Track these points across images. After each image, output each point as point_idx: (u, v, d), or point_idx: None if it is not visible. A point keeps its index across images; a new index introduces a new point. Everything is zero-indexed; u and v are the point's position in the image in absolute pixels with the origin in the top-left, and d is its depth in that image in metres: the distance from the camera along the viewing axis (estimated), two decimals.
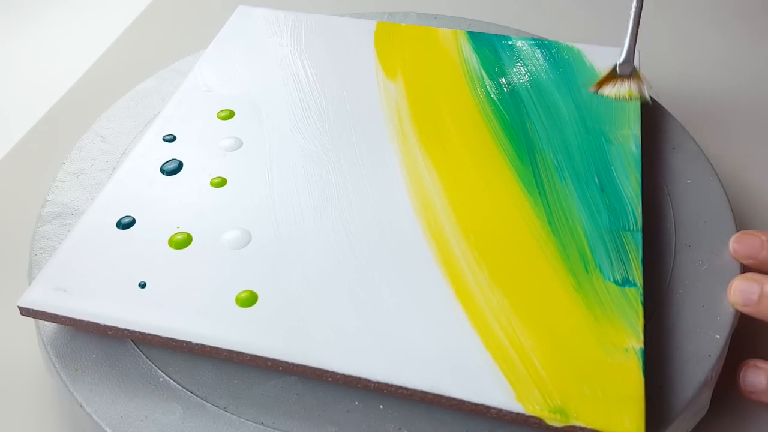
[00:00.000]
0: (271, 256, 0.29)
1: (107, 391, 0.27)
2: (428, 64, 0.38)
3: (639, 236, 0.30)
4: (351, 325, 0.27)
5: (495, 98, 0.36)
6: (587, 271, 0.29)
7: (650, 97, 0.36)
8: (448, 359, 0.26)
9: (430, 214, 0.31)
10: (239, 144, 0.34)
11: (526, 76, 0.38)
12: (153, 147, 0.34)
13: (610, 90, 0.35)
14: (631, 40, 0.36)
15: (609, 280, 0.28)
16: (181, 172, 0.33)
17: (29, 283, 0.30)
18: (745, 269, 0.30)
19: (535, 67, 0.38)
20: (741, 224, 0.33)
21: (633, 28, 0.36)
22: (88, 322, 0.27)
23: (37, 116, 0.44)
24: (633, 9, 0.35)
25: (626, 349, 0.26)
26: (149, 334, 0.27)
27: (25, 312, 0.28)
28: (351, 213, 0.31)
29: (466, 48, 0.39)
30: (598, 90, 0.36)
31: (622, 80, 0.36)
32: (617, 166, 0.33)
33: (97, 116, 0.38)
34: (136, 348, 0.28)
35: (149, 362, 0.28)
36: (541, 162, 0.33)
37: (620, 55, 0.36)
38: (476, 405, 0.25)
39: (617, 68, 0.36)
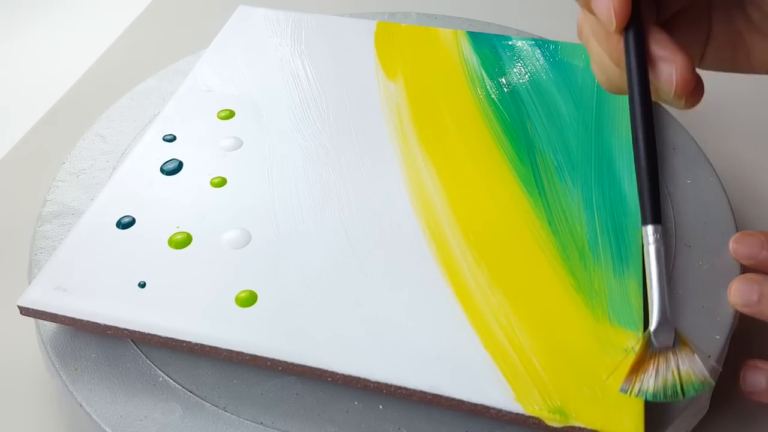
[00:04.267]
0: (270, 255, 0.29)
1: (107, 391, 0.27)
2: (428, 65, 0.38)
3: (639, 237, 0.30)
4: (350, 325, 0.27)
5: (495, 98, 0.36)
6: (587, 272, 0.29)
7: (714, 369, 0.24)
8: (448, 359, 0.26)
9: (429, 214, 0.31)
10: (239, 144, 0.34)
11: (527, 76, 0.38)
12: (153, 147, 0.34)
13: (651, 380, 0.23)
14: (660, 287, 0.24)
15: (609, 280, 0.28)
16: (181, 171, 0.33)
17: (29, 283, 0.30)
18: (745, 269, 0.30)
19: (535, 67, 0.38)
20: (741, 224, 0.33)
21: (659, 267, 0.24)
22: (87, 321, 0.27)
23: (38, 116, 0.44)
24: (651, 242, 0.24)
25: (626, 350, 0.26)
26: (149, 334, 0.27)
27: (25, 311, 0.28)
28: (351, 213, 0.31)
29: (467, 48, 0.39)
30: (632, 385, 0.23)
31: (665, 357, 0.23)
32: (617, 167, 0.33)
33: (98, 116, 0.38)
34: (135, 348, 0.28)
35: (149, 362, 0.28)
36: (541, 162, 0.33)
37: (652, 317, 0.24)
38: (475, 405, 0.25)
39: (653, 338, 0.24)
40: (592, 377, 0.25)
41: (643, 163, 0.25)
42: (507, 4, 0.51)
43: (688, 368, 0.23)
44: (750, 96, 0.45)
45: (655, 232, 0.24)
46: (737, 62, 0.29)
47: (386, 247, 0.29)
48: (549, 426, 0.25)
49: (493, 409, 0.25)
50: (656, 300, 0.23)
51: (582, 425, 0.24)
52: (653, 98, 0.25)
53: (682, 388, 0.23)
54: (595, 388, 0.25)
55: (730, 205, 0.33)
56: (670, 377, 0.23)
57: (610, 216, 0.31)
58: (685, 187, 0.34)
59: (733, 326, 0.28)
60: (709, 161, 0.35)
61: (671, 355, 0.23)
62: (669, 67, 0.24)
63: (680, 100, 0.25)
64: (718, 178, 0.34)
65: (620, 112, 0.35)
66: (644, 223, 0.24)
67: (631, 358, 0.24)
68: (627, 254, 0.29)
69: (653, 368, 0.23)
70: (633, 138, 0.25)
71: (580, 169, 0.33)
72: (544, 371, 0.25)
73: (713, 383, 0.23)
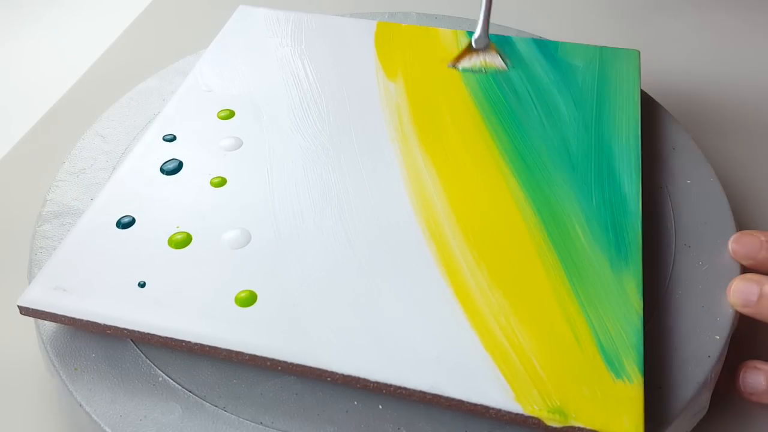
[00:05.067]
0: (270, 255, 0.29)
1: (106, 391, 0.27)
2: (429, 65, 0.38)
3: (639, 237, 0.30)
4: (350, 325, 0.27)
5: (495, 98, 0.36)
6: (586, 271, 0.29)
7: (505, 64, 0.37)
8: (447, 359, 0.26)
9: (429, 214, 0.31)
10: (239, 144, 0.34)
11: (527, 76, 0.38)
12: (153, 147, 0.34)
13: (466, 63, 0.38)
14: (485, 15, 0.38)
15: (608, 280, 0.28)
16: (181, 171, 0.33)
17: (29, 283, 0.30)
18: (744, 270, 0.30)
19: (535, 67, 0.38)
20: (741, 224, 0.33)
21: (486, 3, 0.38)
22: (87, 321, 0.27)
23: (38, 116, 0.44)
24: None
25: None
26: (149, 334, 0.27)
27: (25, 311, 0.28)
28: (351, 213, 0.31)
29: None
30: (456, 64, 0.37)
31: (478, 53, 0.38)
32: (617, 166, 0.33)
33: (98, 116, 0.38)
34: (135, 347, 0.28)
35: (148, 362, 0.28)
36: (540, 162, 0.33)
37: (476, 31, 0.38)
38: (475, 405, 0.25)
39: (473, 43, 0.38)
40: (592, 377, 0.25)
41: None
42: (507, 4, 0.51)
43: (491, 60, 0.38)
44: (750, 96, 0.45)
45: None
46: None
47: (386, 247, 0.29)
48: (548, 426, 0.25)
49: (493, 409, 0.25)
50: (481, 17, 0.38)
51: (581, 425, 0.24)
52: None
53: (485, 68, 0.38)
54: (594, 389, 0.25)
55: (730, 205, 0.33)
56: (478, 63, 0.38)
57: (609, 216, 0.31)
58: (685, 187, 0.34)
59: (732, 327, 0.28)
60: (709, 161, 0.35)
61: (482, 53, 0.38)
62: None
63: None
64: (718, 178, 0.34)
65: (620, 112, 0.35)
66: None
67: (459, 55, 0.38)
68: (626, 254, 0.29)
69: (469, 58, 0.38)
70: None
71: (580, 169, 0.33)
72: (544, 371, 0.25)
73: (506, 69, 0.37)
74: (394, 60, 0.39)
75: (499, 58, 0.38)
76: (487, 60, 0.38)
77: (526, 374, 0.25)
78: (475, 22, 0.44)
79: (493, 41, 0.40)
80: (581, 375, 0.25)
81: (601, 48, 0.39)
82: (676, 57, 0.47)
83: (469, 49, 0.38)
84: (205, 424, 0.26)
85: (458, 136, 0.35)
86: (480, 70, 0.37)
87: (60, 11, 0.54)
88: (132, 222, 0.30)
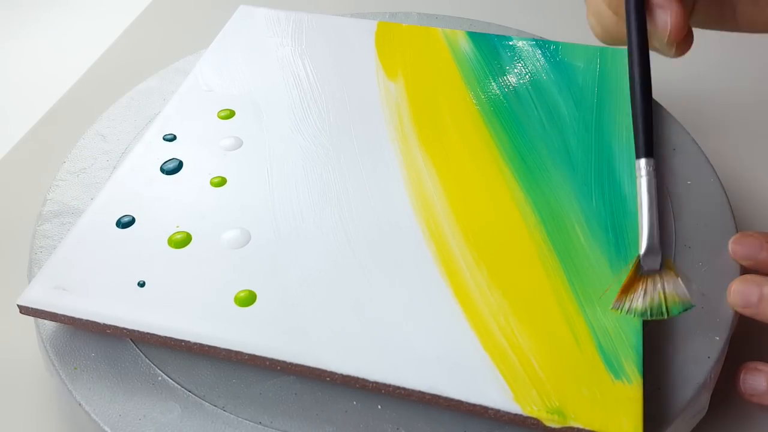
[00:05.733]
0: (270, 255, 0.29)
1: (106, 390, 0.27)
2: (429, 65, 0.38)
3: (639, 237, 0.30)
4: (350, 325, 0.27)
5: (495, 98, 0.36)
6: (586, 272, 0.29)
7: (695, 292, 0.26)
8: (447, 359, 0.26)
9: (429, 214, 0.31)
10: (239, 144, 0.34)
11: (527, 76, 0.38)
12: (153, 146, 0.34)
13: (640, 300, 0.26)
14: (650, 216, 0.26)
15: (608, 280, 0.28)
16: (181, 171, 0.33)
17: (29, 282, 0.30)
18: (744, 270, 0.30)
19: (535, 67, 0.38)
20: (741, 225, 0.33)
21: (650, 198, 0.26)
22: (87, 320, 0.27)
23: (38, 116, 0.44)
24: (643, 174, 0.27)
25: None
26: (148, 333, 0.27)
27: (25, 311, 0.28)
28: (350, 213, 0.31)
29: (467, 48, 0.39)
30: (623, 304, 0.26)
31: (653, 279, 0.26)
32: (617, 166, 0.33)
33: (98, 115, 0.38)
34: (135, 347, 0.28)
35: (148, 361, 0.28)
36: (540, 162, 0.33)
37: (641, 243, 0.26)
38: (474, 405, 0.25)
39: (642, 261, 0.26)
40: (591, 378, 0.25)
41: (638, 102, 0.27)
42: (507, 4, 0.51)
43: (673, 290, 0.26)
44: (750, 96, 0.45)
45: (647, 164, 0.26)
46: (724, 20, 0.30)
47: (386, 247, 0.29)
48: (547, 426, 0.25)
49: (492, 409, 0.25)
50: (645, 227, 0.26)
51: (580, 426, 0.24)
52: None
53: (667, 308, 0.25)
54: (593, 389, 0.25)
55: (730, 205, 0.33)
56: (656, 297, 0.25)
57: (609, 216, 0.31)
58: (685, 187, 0.34)
59: (732, 328, 0.28)
60: (709, 161, 0.35)
61: (658, 278, 0.26)
62: (665, 14, 0.26)
63: (671, 47, 0.27)
64: (718, 178, 0.34)
65: (620, 112, 0.35)
66: (638, 156, 0.27)
67: (622, 281, 0.26)
68: (626, 254, 0.29)
69: (642, 289, 0.26)
70: (630, 79, 0.27)
71: (580, 169, 0.33)
72: (543, 372, 0.25)
73: (694, 305, 0.26)
74: (394, 60, 0.39)
75: (681, 283, 0.26)
76: (667, 289, 0.26)
77: (525, 375, 0.25)
78: (476, 22, 0.44)
79: (494, 41, 0.40)
80: (580, 375, 0.25)
81: (601, 48, 0.39)
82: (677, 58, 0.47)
83: (636, 273, 0.26)
84: (205, 423, 0.26)
85: (458, 136, 0.35)
86: (659, 311, 0.25)
87: (60, 11, 0.54)
88: (132, 222, 0.30)
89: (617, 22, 0.28)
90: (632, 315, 0.26)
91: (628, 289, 0.26)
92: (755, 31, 0.30)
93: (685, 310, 0.26)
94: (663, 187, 0.34)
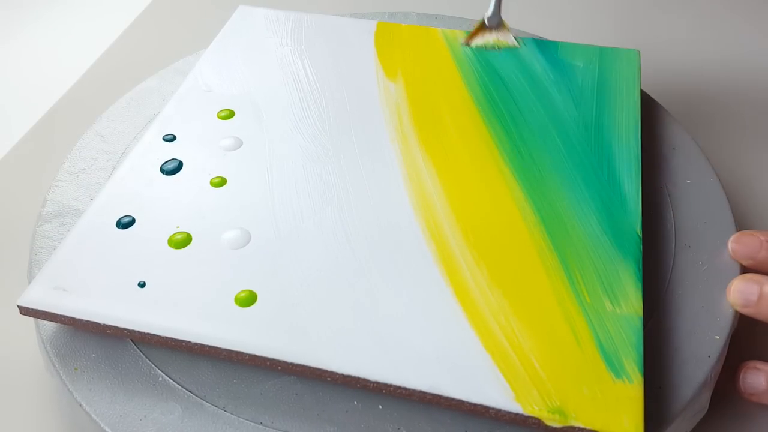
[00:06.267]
0: (270, 255, 0.29)
1: (106, 391, 0.27)
2: (429, 65, 0.38)
3: (639, 237, 0.30)
4: (350, 325, 0.27)
5: (495, 98, 0.36)
6: (586, 271, 0.29)
7: (517, 41, 0.39)
8: (447, 359, 0.26)
9: (429, 214, 0.31)
10: (239, 144, 0.34)
11: (527, 76, 0.38)
12: (153, 147, 0.34)
13: (479, 41, 0.39)
14: None
15: (608, 280, 0.28)
16: (181, 171, 0.33)
17: (29, 283, 0.30)
18: (744, 270, 0.30)
19: (535, 67, 0.38)
20: (741, 224, 0.33)
21: None
22: (87, 321, 0.27)
23: (37, 116, 0.44)
24: None
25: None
26: (148, 334, 0.27)
27: (25, 311, 0.28)
28: (350, 213, 0.31)
29: (467, 48, 0.39)
30: (469, 42, 0.39)
31: (491, 31, 0.39)
32: (617, 167, 0.33)
33: (98, 116, 0.38)
34: (135, 347, 0.28)
35: (148, 361, 0.28)
36: (540, 162, 0.33)
37: (488, 9, 0.39)
38: (475, 405, 0.25)
39: (486, 21, 0.39)
40: (592, 377, 0.25)
41: None
42: (507, 4, 0.51)
43: (504, 38, 0.39)
44: (750, 96, 0.45)
45: None
46: None
47: (386, 247, 0.29)
48: (548, 426, 0.25)
49: (493, 409, 0.25)
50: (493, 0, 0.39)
51: (581, 425, 0.24)
52: None
53: (497, 47, 0.39)
54: (594, 388, 0.25)
55: (730, 205, 0.33)
56: (491, 40, 0.39)
57: (609, 216, 0.31)
58: (685, 187, 0.34)
59: (732, 327, 0.28)
60: (709, 161, 0.35)
61: (494, 31, 0.39)
62: None
63: None
64: (718, 178, 0.34)
65: (620, 112, 0.35)
66: None
67: (472, 32, 0.39)
68: (626, 254, 0.29)
69: (482, 35, 0.39)
70: None
71: (580, 169, 0.33)
72: (544, 371, 0.25)
73: (518, 46, 0.39)
74: (394, 60, 0.39)
75: (511, 36, 0.39)
76: (500, 37, 0.39)
77: (525, 374, 0.25)
78: (476, 23, 0.44)
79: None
80: (581, 375, 0.25)
81: (601, 48, 0.39)
82: (676, 57, 0.47)
83: (481, 27, 0.39)
84: (205, 423, 0.26)
85: (458, 136, 0.35)
86: (492, 47, 0.39)
87: (60, 11, 0.54)
88: (132, 222, 0.30)
89: None
90: (472, 47, 0.39)
91: (473, 35, 0.39)
92: None
93: (511, 48, 0.39)
94: (663, 186, 0.34)
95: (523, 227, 0.30)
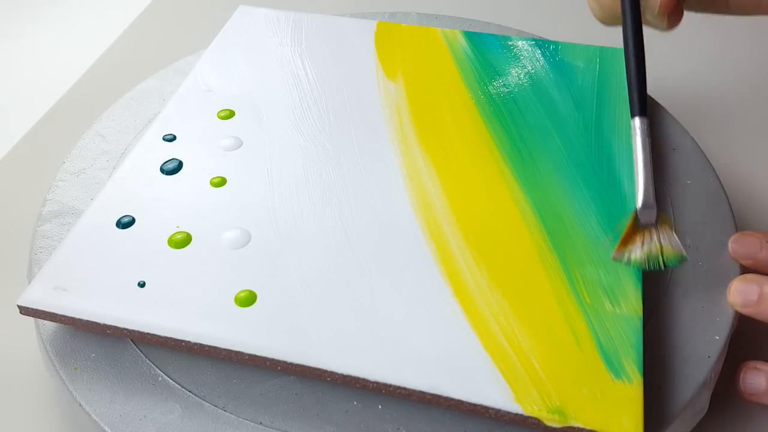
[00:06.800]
0: (270, 255, 0.29)
1: (106, 390, 0.27)
2: (429, 65, 0.38)
3: None
4: (350, 325, 0.27)
5: (495, 98, 0.36)
6: (586, 271, 0.29)
7: (683, 247, 0.28)
8: (447, 359, 0.26)
9: (429, 214, 0.31)
10: (239, 144, 0.34)
11: (527, 76, 0.38)
12: (153, 146, 0.34)
13: (638, 251, 0.28)
14: (646, 172, 0.28)
15: (608, 280, 0.28)
16: (181, 171, 0.33)
17: (29, 282, 0.30)
18: (744, 270, 0.30)
19: (535, 67, 0.38)
20: (741, 224, 0.33)
21: (645, 155, 0.28)
22: (87, 321, 0.27)
23: (38, 116, 0.44)
24: (638, 132, 0.29)
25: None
26: (148, 334, 0.27)
27: (25, 311, 0.28)
28: (350, 213, 0.31)
29: (467, 48, 0.39)
30: (623, 255, 0.28)
31: (649, 232, 0.28)
32: (617, 166, 0.33)
33: (98, 115, 0.38)
34: (135, 347, 0.28)
35: (148, 361, 0.28)
36: (540, 162, 0.33)
37: (638, 198, 0.28)
38: (475, 405, 0.25)
39: (639, 215, 0.28)
40: (592, 378, 0.25)
41: (632, 64, 0.30)
42: (507, 4, 0.51)
43: (668, 242, 0.28)
44: (750, 95, 0.45)
45: (642, 123, 0.29)
46: (716, 2, 0.33)
47: (386, 247, 0.29)
48: (548, 426, 0.25)
49: (492, 409, 0.25)
50: (641, 184, 0.28)
51: (581, 425, 0.24)
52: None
53: (663, 259, 0.27)
54: (594, 389, 0.25)
55: (730, 205, 0.33)
56: (653, 248, 0.27)
57: (609, 216, 0.31)
58: (685, 187, 0.34)
59: (732, 327, 0.28)
60: (709, 161, 0.35)
61: (654, 230, 0.28)
62: None
63: (663, 20, 0.30)
64: (718, 178, 0.34)
65: (620, 112, 0.35)
66: (633, 115, 0.29)
67: (621, 234, 0.28)
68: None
69: (639, 241, 0.28)
70: (624, 48, 0.30)
71: (580, 169, 0.33)
72: (543, 371, 0.25)
73: (687, 258, 0.28)
74: (394, 60, 0.39)
75: (675, 236, 0.28)
76: (663, 241, 0.28)
77: (525, 374, 0.25)
78: (476, 22, 0.44)
79: (494, 41, 0.40)
80: (581, 375, 0.25)
81: (601, 48, 0.39)
82: (676, 57, 0.47)
83: (634, 227, 0.28)
84: (205, 423, 0.26)
85: (458, 136, 0.35)
86: (656, 260, 0.27)
87: (60, 11, 0.54)
88: (132, 222, 0.30)
89: (613, 3, 0.31)
90: (631, 265, 0.28)
91: (626, 241, 0.28)
92: (745, 13, 0.33)
93: (680, 261, 0.28)
94: (663, 186, 0.34)
95: (523, 227, 0.30)
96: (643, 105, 0.29)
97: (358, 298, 0.28)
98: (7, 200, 0.39)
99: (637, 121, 0.29)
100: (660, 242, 0.27)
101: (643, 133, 0.29)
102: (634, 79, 0.30)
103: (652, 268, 0.27)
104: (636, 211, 0.28)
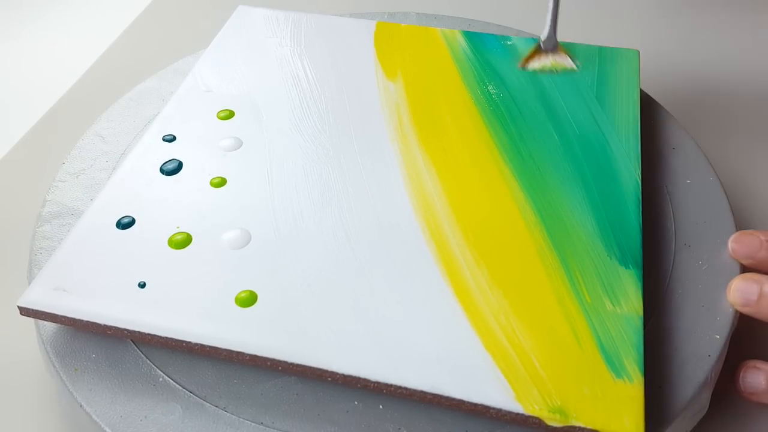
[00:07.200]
0: (270, 256, 0.29)
1: (107, 391, 0.27)
2: (428, 65, 0.38)
3: (639, 237, 0.30)
4: (350, 325, 0.27)
5: (495, 98, 0.36)
6: (586, 271, 0.29)
7: (575, 64, 0.37)
8: (448, 359, 0.26)
9: (429, 214, 0.31)
10: (239, 144, 0.34)
11: (526, 76, 0.38)
12: (153, 147, 0.34)
13: (535, 64, 0.38)
14: (553, 15, 0.38)
15: (608, 280, 0.28)
16: (181, 172, 0.33)
17: (29, 283, 0.30)
18: (744, 269, 0.30)
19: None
20: (741, 224, 0.33)
21: (554, 3, 0.38)
22: (87, 321, 0.27)
23: (37, 116, 0.44)
24: None
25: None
26: (149, 334, 0.27)
27: (25, 312, 0.28)
28: (350, 213, 0.31)
29: (466, 48, 0.39)
30: (525, 65, 0.38)
31: (547, 54, 0.38)
32: (617, 166, 0.33)
33: (97, 116, 0.38)
34: (135, 348, 0.28)
35: (149, 362, 0.28)
36: (540, 162, 0.33)
37: (543, 31, 0.38)
38: (476, 405, 0.25)
39: (542, 44, 0.38)
40: (592, 377, 0.25)
41: None
42: (507, 4, 0.51)
43: (561, 59, 0.38)
44: (750, 96, 0.45)
45: None
46: None
47: (386, 247, 0.29)
48: (549, 426, 0.25)
49: (493, 409, 0.25)
50: (549, 18, 0.38)
51: (582, 425, 0.24)
52: None
53: (555, 70, 0.37)
54: (595, 388, 0.25)
55: (730, 205, 0.33)
56: (548, 63, 0.38)
57: (609, 216, 0.31)
58: (684, 187, 0.34)
59: (732, 326, 0.28)
60: (709, 161, 0.35)
61: (551, 53, 0.38)
62: None
63: None
64: (718, 178, 0.34)
65: (620, 112, 0.35)
66: None
67: (528, 54, 0.38)
68: (626, 254, 0.29)
69: (538, 58, 0.38)
70: None
71: (580, 168, 0.33)
72: (544, 371, 0.25)
73: (576, 69, 0.38)
74: (393, 60, 0.39)
75: (569, 59, 0.38)
76: (557, 60, 0.38)
77: (526, 374, 0.25)
78: (475, 22, 0.44)
79: (493, 41, 0.40)
80: (582, 374, 0.25)
81: (601, 48, 0.39)
82: (676, 57, 0.47)
83: (537, 50, 0.38)
84: (206, 424, 0.26)
85: (458, 136, 0.35)
86: (551, 71, 0.37)
87: (60, 11, 0.54)
88: (132, 222, 0.30)
89: None
90: (531, 70, 0.37)
91: (529, 58, 0.38)
92: None
93: (570, 71, 0.37)
94: (663, 186, 0.34)
95: (523, 227, 0.30)
96: None
97: (359, 298, 0.28)
98: (7, 200, 0.39)
99: None
100: (555, 59, 0.38)
101: None
102: None
103: (547, 73, 0.37)
104: (539, 39, 0.38)
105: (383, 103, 0.36)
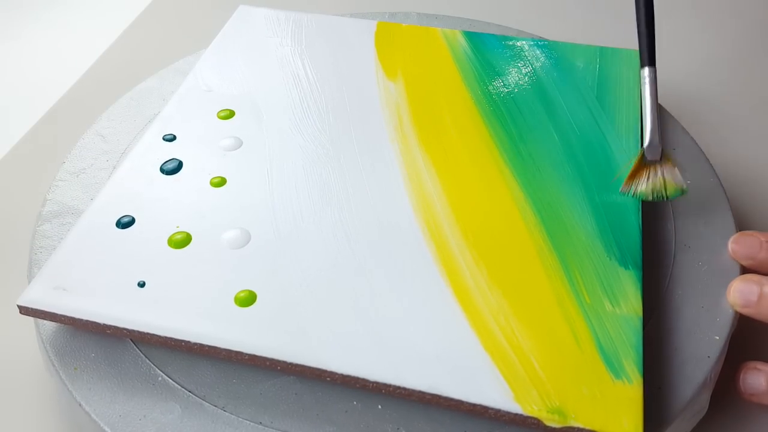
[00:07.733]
0: (270, 255, 0.29)
1: (106, 390, 0.27)
2: (429, 65, 0.38)
3: (639, 237, 0.30)
4: (350, 325, 0.27)
5: (495, 99, 0.36)
6: (586, 272, 0.29)
7: (684, 181, 0.31)
8: (447, 359, 0.26)
9: (429, 214, 0.31)
10: (239, 144, 0.34)
11: (527, 76, 0.38)
12: (153, 146, 0.34)
13: (643, 186, 0.31)
14: (653, 115, 0.32)
15: (608, 280, 0.28)
16: (181, 171, 0.33)
17: (29, 282, 0.30)
18: (744, 270, 0.30)
19: (535, 67, 0.38)
20: (741, 224, 0.33)
21: (652, 100, 0.32)
22: (87, 321, 0.27)
23: (38, 116, 0.44)
24: (647, 81, 0.33)
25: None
26: (148, 334, 0.27)
27: (25, 311, 0.28)
28: (350, 213, 0.31)
29: (467, 48, 0.39)
30: (630, 188, 0.31)
31: (654, 168, 0.31)
32: (617, 166, 0.33)
33: (98, 115, 0.38)
34: (135, 347, 0.28)
35: (148, 361, 0.28)
36: (540, 162, 0.33)
37: (644, 138, 0.32)
38: (474, 405, 0.25)
39: (645, 153, 0.31)
40: (591, 378, 0.25)
41: (642, 16, 0.33)
42: (507, 4, 0.51)
43: (671, 176, 0.31)
44: (750, 96, 0.45)
45: (651, 72, 0.33)
46: None
47: (386, 247, 0.29)
48: (548, 426, 0.25)
49: (492, 409, 0.25)
50: (648, 124, 0.32)
51: (581, 425, 0.24)
52: None
53: (666, 191, 0.31)
54: (594, 389, 0.25)
55: (730, 205, 0.33)
56: (658, 183, 0.31)
57: (609, 216, 0.31)
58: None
59: (732, 327, 0.28)
60: (709, 161, 0.35)
61: (658, 167, 0.31)
62: None
63: None
64: (718, 178, 0.34)
65: (620, 112, 0.35)
66: (642, 65, 0.33)
67: (628, 170, 0.31)
68: (626, 254, 0.29)
69: (645, 176, 0.31)
70: (636, 4, 0.34)
71: (580, 169, 0.33)
72: (543, 371, 0.25)
73: (687, 190, 0.31)
74: (394, 60, 0.39)
75: (678, 172, 0.31)
76: (666, 176, 0.31)
77: (525, 374, 0.25)
78: (476, 22, 0.44)
79: (494, 41, 0.40)
80: (580, 375, 0.25)
81: (601, 48, 0.39)
82: (677, 57, 0.47)
83: (640, 164, 0.31)
84: (205, 423, 0.26)
85: (458, 136, 0.35)
86: (660, 193, 0.31)
87: (60, 11, 0.54)
88: (132, 222, 0.30)
89: None
90: (637, 197, 0.31)
91: (633, 176, 0.31)
92: None
93: (681, 194, 0.31)
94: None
95: (523, 227, 0.30)
96: (652, 56, 0.33)
97: (358, 298, 0.28)
98: (7, 200, 0.39)
99: (646, 71, 0.33)
100: (663, 177, 0.31)
101: (651, 82, 0.32)
102: (644, 31, 0.33)
103: (656, 199, 0.31)
104: (642, 149, 0.31)
105: (383, 103, 0.36)
